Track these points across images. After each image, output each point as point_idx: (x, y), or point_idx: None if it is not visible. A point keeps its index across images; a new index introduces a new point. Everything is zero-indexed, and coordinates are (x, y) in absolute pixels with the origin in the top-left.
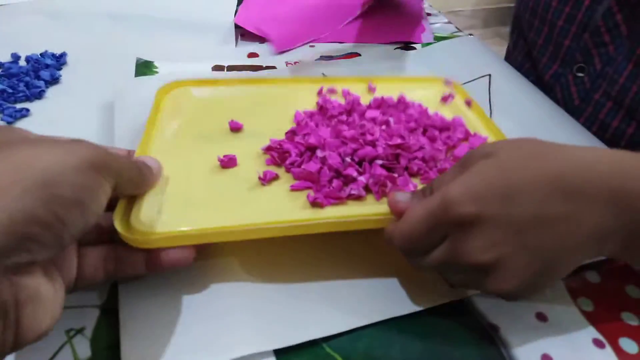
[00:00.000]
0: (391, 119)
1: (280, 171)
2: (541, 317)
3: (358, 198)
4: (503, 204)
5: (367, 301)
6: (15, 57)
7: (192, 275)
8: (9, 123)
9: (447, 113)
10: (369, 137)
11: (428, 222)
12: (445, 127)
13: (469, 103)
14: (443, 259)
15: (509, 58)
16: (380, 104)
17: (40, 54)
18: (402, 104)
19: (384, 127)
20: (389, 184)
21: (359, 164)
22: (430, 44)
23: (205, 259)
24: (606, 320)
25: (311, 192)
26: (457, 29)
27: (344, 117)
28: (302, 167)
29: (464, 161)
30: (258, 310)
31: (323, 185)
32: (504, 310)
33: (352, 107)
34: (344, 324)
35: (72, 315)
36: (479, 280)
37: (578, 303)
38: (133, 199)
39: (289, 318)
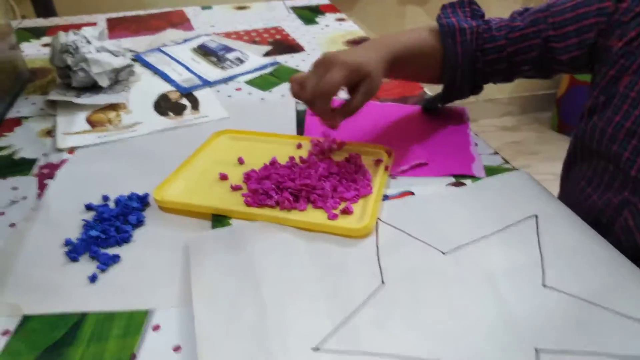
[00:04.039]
0: (321, 168)
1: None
2: None
3: (272, 206)
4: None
5: None
6: (105, 199)
7: None
8: (103, 271)
9: (372, 170)
10: (292, 177)
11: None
12: (354, 179)
13: (386, 168)
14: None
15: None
16: (330, 161)
17: (128, 196)
18: (351, 160)
19: (312, 171)
20: (286, 202)
21: (281, 190)
22: (480, 178)
23: None
24: None
25: (248, 198)
26: (504, 160)
27: (296, 165)
28: (248, 185)
29: None
30: None
31: (256, 196)
32: None
33: (308, 159)
34: None
35: None
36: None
37: None
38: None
39: None
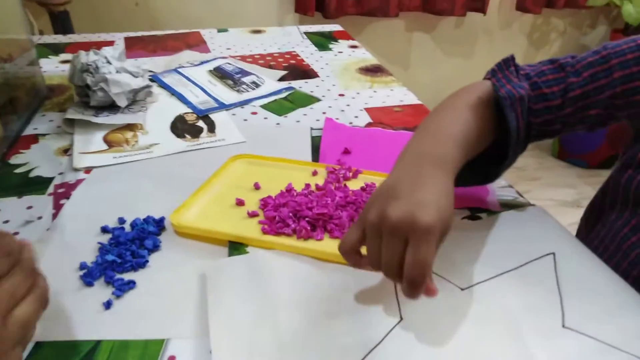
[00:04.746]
0: (338, 197)
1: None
2: None
3: (289, 235)
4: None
5: None
6: (121, 221)
7: None
8: (118, 297)
9: None
10: (309, 206)
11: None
12: None
13: None
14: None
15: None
16: (346, 190)
17: (144, 220)
18: (366, 189)
19: (329, 200)
20: (304, 231)
21: (299, 218)
22: (495, 212)
23: None
24: None
25: (265, 226)
26: (518, 194)
27: (313, 193)
28: (265, 212)
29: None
30: None
31: (273, 224)
32: None
33: (324, 187)
34: None
35: None
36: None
37: None
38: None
39: None
